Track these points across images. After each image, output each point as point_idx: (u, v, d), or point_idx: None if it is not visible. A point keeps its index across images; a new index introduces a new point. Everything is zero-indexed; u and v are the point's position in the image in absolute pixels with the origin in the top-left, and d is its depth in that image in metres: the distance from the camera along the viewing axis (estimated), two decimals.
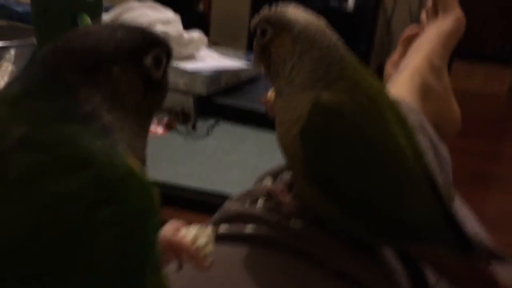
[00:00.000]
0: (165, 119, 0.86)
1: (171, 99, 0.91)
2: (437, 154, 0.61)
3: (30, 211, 0.17)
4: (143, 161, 0.24)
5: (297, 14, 0.35)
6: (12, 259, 0.17)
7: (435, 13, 0.90)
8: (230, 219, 0.38)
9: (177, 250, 0.28)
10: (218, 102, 0.90)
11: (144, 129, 0.25)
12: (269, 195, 0.39)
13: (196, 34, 1.01)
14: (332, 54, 0.35)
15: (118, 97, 0.23)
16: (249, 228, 0.36)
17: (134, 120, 0.23)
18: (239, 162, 0.73)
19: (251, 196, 0.40)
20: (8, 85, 0.21)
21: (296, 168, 0.35)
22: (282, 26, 0.35)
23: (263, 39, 0.36)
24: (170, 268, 0.28)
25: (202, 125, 0.87)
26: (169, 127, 0.85)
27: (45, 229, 0.17)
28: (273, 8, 0.36)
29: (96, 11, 0.69)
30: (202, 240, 0.30)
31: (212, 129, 0.86)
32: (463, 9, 0.86)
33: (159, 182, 0.65)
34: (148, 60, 0.24)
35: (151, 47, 0.25)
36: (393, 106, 0.36)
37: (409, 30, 0.95)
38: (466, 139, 2.00)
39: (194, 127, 0.86)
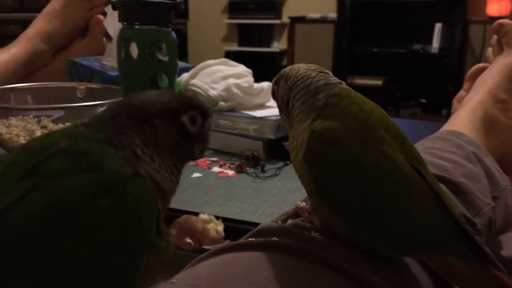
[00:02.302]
0: (236, 163, 0.93)
1: (242, 145, 0.99)
2: (493, 182, 0.61)
3: (51, 196, 0.25)
4: (169, 190, 0.32)
5: (292, 67, 0.44)
6: (32, 231, 0.24)
7: (500, 48, 0.90)
8: (257, 234, 0.42)
9: (187, 230, 0.35)
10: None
11: (175, 168, 0.32)
12: (297, 214, 0.44)
13: (265, 84, 1.09)
14: (315, 82, 0.41)
15: (155, 141, 0.31)
16: (272, 239, 0.40)
17: (165, 159, 0.31)
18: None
19: (283, 216, 0.45)
20: (86, 119, 0.30)
21: (308, 188, 0.40)
22: (280, 78, 0.45)
23: (275, 96, 0.46)
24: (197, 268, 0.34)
25: (271, 167, 0.93)
26: (239, 170, 0.92)
27: (60, 208, 0.25)
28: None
29: (171, 70, 0.79)
30: (205, 218, 0.37)
31: (279, 171, 0.91)
32: None
33: (225, 217, 0.72)
34: (185, 118, 0.32)
35: (188, 109, 0.33)
36: (390, 127, 0.39)
37: (476, 66, 0.95)
38: None
39: (263, 169, 0.92)
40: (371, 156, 0.37)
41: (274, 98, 0.47)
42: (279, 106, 0.46)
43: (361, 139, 0.37)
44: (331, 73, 0.43)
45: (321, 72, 0.43)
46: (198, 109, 0.33)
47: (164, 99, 0.32)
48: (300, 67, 0.44)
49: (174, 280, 0.35)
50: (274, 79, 0.46)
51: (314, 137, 0.38)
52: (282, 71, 0.45)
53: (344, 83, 0.42)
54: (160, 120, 0.31)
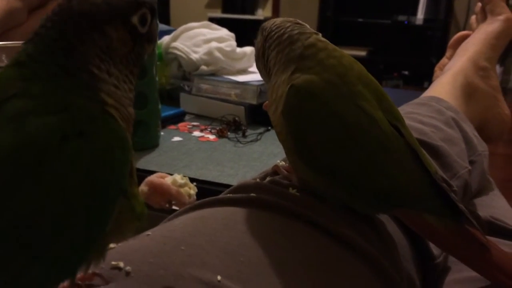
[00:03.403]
0: (217, 128, 0.93)
1: (223, 109, 0.98)
2: (470, 147, 0.62)
3: (16, 138, 0.23)
4: (129, 101, 0.29)
5: (270, 20, 0.44)
6: None
7: (484, 16, 0.90)
8: (235, 190, 0.42)
9: (160, 190, 0.34)
10: None
11: (132, 76, 0.30)
12: (275, 173, 0.44)
13: (248, 49, 1.08)
14: (289, 33, 0.40)
15: (110, 51, 0.28)
16: (249, 195, 0.40)
17: (122, 69, 0.29)
18: None
19: (261, 174, 0.45)
20: (24, 44, 0.27)
21: (286, 144, 0.39)
22: (258, 32, 0.44)
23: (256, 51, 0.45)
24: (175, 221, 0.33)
25: (252, 132, 0.93)
26: (220, 134, 0.91)
27: (26, 150, 0.23)
28: None
29: None
30: (180, 181, 0.37)
31: (260, 136, 0.91)
32: None
33: (206, 180, 0.72)
34: (135, 19, 0.29)
35: (138, 8, 0.29)
36: (369, 83, 0.39)
37: (459, 34, 0.95)
38: None
39: (244, 134, 0.92)
40: (350, 112, 0.36)
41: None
42: (255, 57, 0.45)
43: (340, 94, 0.37)
44: (308, 25, 0.42)
45: (296, 23, 0.42)
46: (147, 5, 0.30)
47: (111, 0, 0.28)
48: (276, 20, 0.43)
49: (149, 233, 0.35)
50: (256, 34, 0.45)
51: (293, 92, 0.37)
52: (261, 26, 0.44)
53: (320, 34, 0.42)
54: (111, 26, 0.28)
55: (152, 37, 0.31)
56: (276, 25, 0.42)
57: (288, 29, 0.40)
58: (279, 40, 0.40)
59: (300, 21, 0.42)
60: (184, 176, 0.42)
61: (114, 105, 0.27)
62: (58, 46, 0.27)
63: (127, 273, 0.30)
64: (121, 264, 0.31)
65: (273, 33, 0.41)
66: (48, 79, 0.26)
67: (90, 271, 0.30)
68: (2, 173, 0.23)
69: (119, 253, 0.32)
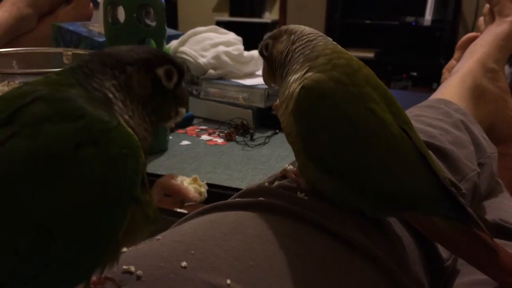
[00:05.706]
0: (225, 131, 0.93)
1: (231, 113, 0.98)
2: (479, 149, 0.62)
3: (32, 144, 0.24)
4: (143, 138, 0.31)
5: (295, 26, 0.45)
6: (13, 179, 0.24)
7: (492, 17, 0.89)
8: (243, 194, 0.42)
9: (170, 191, 0.35)
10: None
11: (148, 119, 0.32)
12: (284, 177, 0.44)
13: (255, 53, 1.08)
14: (314, 41, 0.42)
15: (127, 88, 0.30)
16: (258, 199, 0.41)
17: (139, 108, 0.30)
18: None
19: (270, 178, 0.46)
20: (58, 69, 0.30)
21: (295, 146, 0.40)
22: (280, 32, 0.45)
23: (268, 51, 0.45)
24: (183, 227, 0.34)
25: (260, 136, 0.93)
26: (229, 138, 0.92)
27: (40, 157, 0.24)
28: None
29: (159, 35, 0.78)
30: (188, 181, 0.38)
31: (268, 140, 0.92)
32: None
33: (214, 184, 0.72)
34: (160, 71, 0.32)
35: (164, 63, 0.32)
36: (376, 87, 0.39)
37: (467, 36, 0.95)
38: None
39: (252, 138, 0.92)
40: (359, 113, 0.37)
41: (263, 54, 0.46)
42: (272, 60, 0.45)
43: (349, 95, 0.37)
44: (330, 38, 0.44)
45: (317, 34, 0.43)
46: (173, 64, 0.32)
47: (138, 50, 0.31)
48: (305, 27, 0.44)
49: (159, 237, 0.36)
50: (270, 34, 0.46)
51: (303, 93, 0.38)
52: (283, 27, 0.45)
53: (338, 45, 0.43)
54: (133, 68, 0.30)
55: (180, 99, 0.34)
56: (307, 31, 0.43)
57: (317, 39, 0.42)
58: (306, 44, 0.42)
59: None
60: (194, 177, 0.43)
61: (128, 123, 0.28)
62: (80, 70, 0.29)
63: (138, 277, 0.31)
64: (132, 268, 0.31)
65: (304, 37, 0.42)
66: (65, 86, 0.28)
67: (103, 275, 0.30)
68: (17, 178, 0.24)
69: (130, 257, 0.32)
